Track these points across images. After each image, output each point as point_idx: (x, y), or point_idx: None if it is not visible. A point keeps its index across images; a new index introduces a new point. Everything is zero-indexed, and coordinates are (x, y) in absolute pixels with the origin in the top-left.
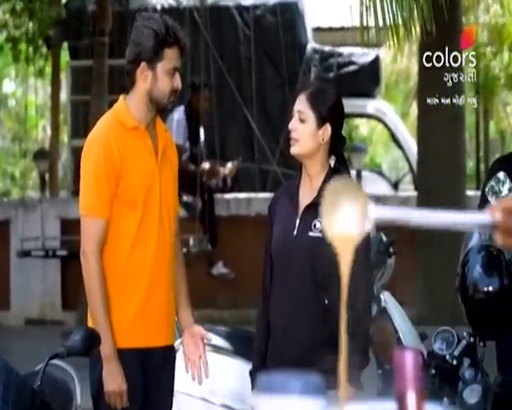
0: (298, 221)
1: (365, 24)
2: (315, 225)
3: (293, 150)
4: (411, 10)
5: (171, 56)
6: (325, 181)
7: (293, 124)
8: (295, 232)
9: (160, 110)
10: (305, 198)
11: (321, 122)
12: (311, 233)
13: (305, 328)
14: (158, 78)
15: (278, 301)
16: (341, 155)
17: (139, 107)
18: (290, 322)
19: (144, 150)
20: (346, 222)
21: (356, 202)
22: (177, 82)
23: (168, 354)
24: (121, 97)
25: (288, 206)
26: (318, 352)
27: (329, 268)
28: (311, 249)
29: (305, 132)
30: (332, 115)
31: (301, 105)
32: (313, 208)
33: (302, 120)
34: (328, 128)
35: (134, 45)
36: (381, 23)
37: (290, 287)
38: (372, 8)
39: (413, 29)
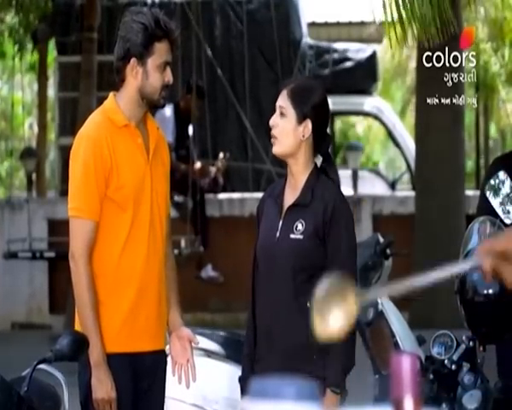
0: (281, 223)
1: (390, 19)
2: (296, 227)
3: (275, 150)
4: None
5: (161, 50)
6: (308, 180)
7: (274, 119)
8: (278, 234)
9: (152, 106)
10: (289, 198)
11: (301, 118)
12: (292, 235)
13: (287, 332)
14: (149, 73)
15: (261, 305)
16: (328, 155)
17: (130, 104)
18: (272, 326)
19: (135, 149)
20: (335, 319)
21: (343, 298)
22: (169, 77)
23: (159, 358)
24: (111, 94)
25: (273, 207)
26: (301, 357)
27: (310, 271)
28: (291, 252)
29: (285, 128)
30: (314, 113)
31: (282, 100)
32: (295, 209)
33: (282, 115)
34: (308, 125)
35: (123, 41)
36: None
37: (272, 290)
38: (394, 2)
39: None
